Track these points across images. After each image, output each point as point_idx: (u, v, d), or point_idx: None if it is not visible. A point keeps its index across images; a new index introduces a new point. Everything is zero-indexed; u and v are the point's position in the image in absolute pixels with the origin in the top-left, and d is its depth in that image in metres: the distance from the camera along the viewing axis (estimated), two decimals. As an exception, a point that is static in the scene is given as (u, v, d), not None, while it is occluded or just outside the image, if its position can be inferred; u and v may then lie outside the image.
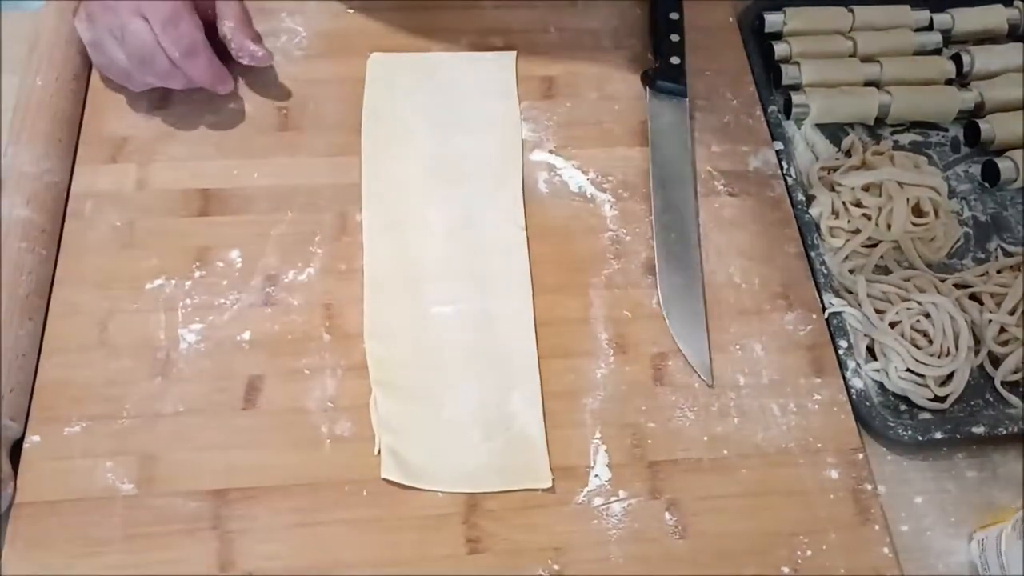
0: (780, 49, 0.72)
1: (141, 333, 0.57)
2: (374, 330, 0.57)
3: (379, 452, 0.53)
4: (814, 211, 0.65)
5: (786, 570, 0.52)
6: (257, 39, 0.64)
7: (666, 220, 0.63)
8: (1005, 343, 0.61)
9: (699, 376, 0.57)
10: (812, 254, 0.63)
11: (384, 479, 0.53)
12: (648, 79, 0.70)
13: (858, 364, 0.59)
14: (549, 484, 0.53)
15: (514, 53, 0.70)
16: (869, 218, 0.65)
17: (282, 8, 0.71)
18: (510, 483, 0.53)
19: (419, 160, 0.64)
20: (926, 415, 0.58)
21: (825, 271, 0.63)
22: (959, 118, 0.72)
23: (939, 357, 0.59)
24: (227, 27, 0.62)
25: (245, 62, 0.64)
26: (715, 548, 0.52)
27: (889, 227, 0.64)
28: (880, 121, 0.71)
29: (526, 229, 0.62)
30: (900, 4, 0.75)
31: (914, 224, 0.64)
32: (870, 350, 0.60)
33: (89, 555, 0.50)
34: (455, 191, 0.63)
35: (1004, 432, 0.57)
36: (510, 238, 0.62)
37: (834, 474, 0.55)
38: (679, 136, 0.67)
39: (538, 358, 0.57)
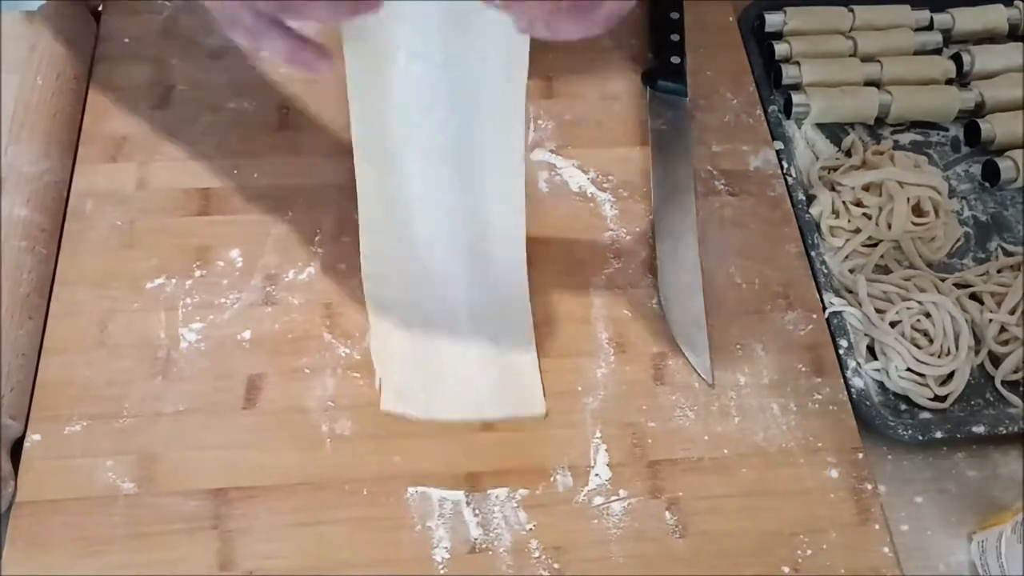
0: (780, 49, 0.72)
1: (141, 332, 0.57)
2: (370, 271, 0.58)
3: (379, 387, 0.55)
4: (814, 211, 0.65)
5: (786, 570, 0.52)
6: None
7: (666, 220, 0.63)
8: (1005, 343, 0.61)
9: (699, 376, 0.57)
10: (812, 254, 0.63)
11: (385, 411, 0.55)
12: (648, 79, 0.70)
13: (858, 363, 0.59)
14: (543, 411, 0.55)
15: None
16: (869, 218, 0.65)
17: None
18: (506, 410, 0.55)
19: (408, 82, 0.55)
20: (926, 415, 0.58)
21: (825, 271, 0.63)
22: (959, 118, 0.72)
23: (939, 356, 0.59)
24: None
25: None
26: (715, 548, 0.52)
27: (889, 227, 0.64)
28: (880, 121, 0.71)
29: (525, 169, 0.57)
30: (900, 4, 0.75)
31: (914, 224, 0.64)
32: (870, 349, 0.60)
33: (89, 554, 0.50)
34: (448, 116, 0.55)
35: (1004, 432, 0.57)
36: (505, 164, 0.56)
37: (834, 474, 0.55)
38: (679, 136, 0.67)
39: (529, 295, 0.59)
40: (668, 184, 0.65)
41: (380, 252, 0.58)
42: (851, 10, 0.74)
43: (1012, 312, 0.61)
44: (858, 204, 0.65)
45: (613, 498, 0.53)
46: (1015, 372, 0.60)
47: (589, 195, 0.65)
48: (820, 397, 0.58)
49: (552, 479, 0.54)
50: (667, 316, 0.59)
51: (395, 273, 0.58)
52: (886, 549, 0.53)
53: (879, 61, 0.72)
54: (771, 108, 0.70)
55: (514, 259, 0.58)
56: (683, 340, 0.58)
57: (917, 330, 0.60)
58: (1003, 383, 0.60)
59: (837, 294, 0.62)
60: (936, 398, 0.59)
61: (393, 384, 0.55)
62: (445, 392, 0.56)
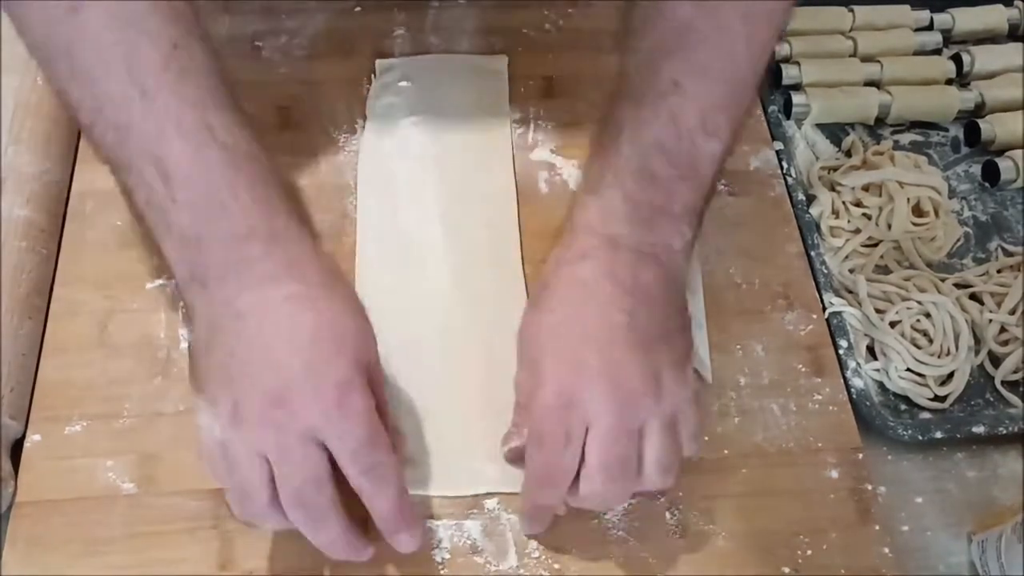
0: (780, 49, 0.72)
1: (141, 332, 0.57)
2: None
3: None
4: (814, 211, 0.65)
5: (786, 570, 0.52)
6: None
7: None
8: (1005, 343, 0.61)
9: (699, 375, 0.57)
10: (812, 254, 0.63)
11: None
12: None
13: (858, 364, 0.59)
14: None
15: (505, 57, 0.70)
16: (869, 218, 0.65)
17: (282, 8, 0.71)
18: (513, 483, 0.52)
19: (413, 160, 0.65)
20: (926, 415, 0.58)
21: (825, 271, 0.63)
22: (959, 118, 0.72)
23: (939, 357, 0.59)
24: None
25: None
26: (715, 548, 0.52)
27: (889, 227, 0.64)
28: (880, 121, 0.71)
29: (519, 229, 0.62)
30: (900, 4, 0.75)
31: (914, 224, 0.64)
32: (870, 350, 0.60)
33: (90, 554, 0.50)
34: (446, 190, 0.63)
35: (1004, 432, 0.57)
36: (501, 238, 0.62)
37: (834, 474, 0.55)
38: None
39: None
40: None
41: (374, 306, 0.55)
42: (851, 10, 0.74)
43: (1012, 312, 0.61)
44: (858, 204, 0.65)
45: (613, 498, 0.53)
46: (1015, 372, 0.60)
47: (589, 195, 0.65)
48: (820, 397, 0.58)
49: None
50: None
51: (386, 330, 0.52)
52: (886, 549, 0.53)
53: (879, 61, 0.72)
54: (771, 108, 0.70)
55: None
56: None
57: (917, 330, 0.60)
58: (1003, 383, 0.60)
59: (837, 294, 0.62)
60: (936, 398, 0.59)
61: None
62: (448, 466, 0.53)
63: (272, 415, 0.43)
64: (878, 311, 0.61)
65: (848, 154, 0.69)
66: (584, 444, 0.46)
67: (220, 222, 0.45)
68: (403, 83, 0.68)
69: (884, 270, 0.64)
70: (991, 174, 0.69)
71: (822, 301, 0.61)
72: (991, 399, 0.60)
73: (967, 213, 0.68)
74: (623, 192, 0.49)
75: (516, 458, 0.51)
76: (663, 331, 0.48)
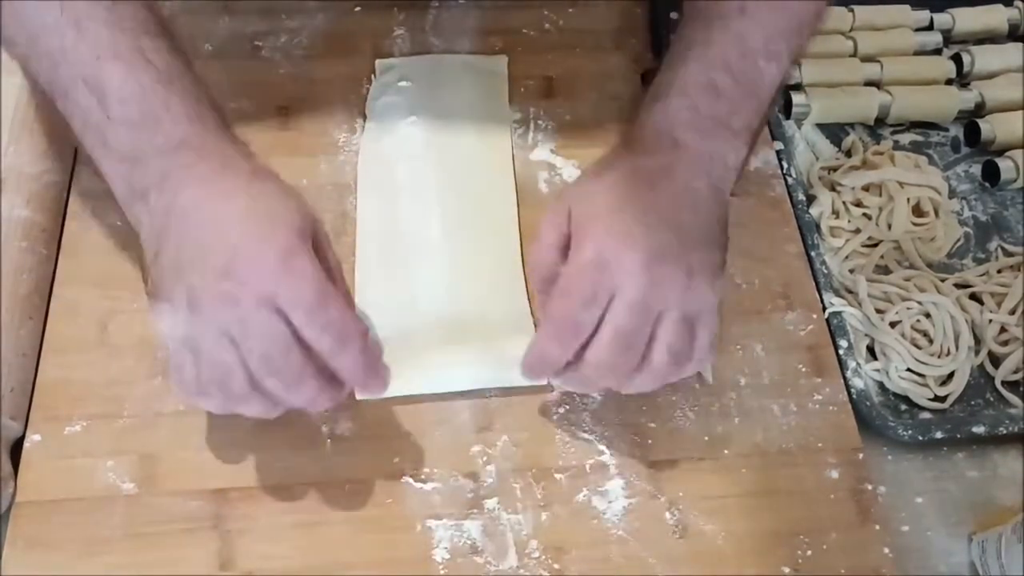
0: (780, 49, 0.72)
1: (141, 332, 0.57)
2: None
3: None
4: (814, 211, 0.65)
5: (786, 570, 0.52)
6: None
7: None
8: (1005, 343, 0.61)
9: (699, 375, 0.57)
10: (812, 254, 0.63)
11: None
12: (648, 79, 0.69)
13: (858, 364, 0.59)
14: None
15: (505, 57, 0.70)
16: (869, 218, 0.65)
17: (282, 8, 0.71)
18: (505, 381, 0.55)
19: (412, 160, 0.65)
20: (926, 415, 0.58)
21: (825, 271, 0.63)
22: (959, 118, 0.72)
23: (939, 357, 0.59)
24: None
25: None
26: (715, 548, 0.52)
27: (889, 227, 0.64)
28: (880, 121, 0.71)
29: (519, 229, 0.63)
30: (900, 4, 0.75)
31: (914, 224, 0.64)
32: (870, 350, 0.60)
33: (89, 554, 0.50)
34: (446, 190, 0.63)
35: (1004, 432, 0.57)
36: (501, 238, 0.62)
37: (834, 474, 0.55)
38: None
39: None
40: None
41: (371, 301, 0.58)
42: (851, 10, 0.74)
43: (1012, 312, 0.61)
44: (858, 204, 0.65)
45: (613, 498, 0.53)
46: (1015, 372, 0.60)
47: (589, 195, 0.65)
48: (820, 397, 0.58)
49: (552, 479, 0.54)
50: None
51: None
52: (886, 549, 0.53)
53: (879, 61, 0.72)
54: (771, 108, 0.70)
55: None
56: None
57: (917, 330, 0.60)
58: (1003, 383, 0.60)
59: (837, 294, 0.62)
60: (936, 398, 0.59)
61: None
62: (435, 369, 0.56)
63: (224, 289, 0.45)
64: (878, 311, 0.61)
65: (848, 154, 0.69)
66: (605, 311, 0.48)
67: (155, 136, 0.47)
68: (403, 83, 0.68)
69: (884, 270, 0.64)
70: (991, 174, 0.69)
71: (822, 301, 0.61)
72: (991, 399, 0.60)
73: (967, 213, 0.68)
74: (688, 101, 0.53)
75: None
76: (704, 239, 0.51)
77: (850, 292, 0.62)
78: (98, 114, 0.47)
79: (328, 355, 0.46)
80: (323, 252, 0.49)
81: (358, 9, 0.72)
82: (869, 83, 0.71)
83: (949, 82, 0.72)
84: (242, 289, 0.45)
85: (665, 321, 0.48)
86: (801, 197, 0.66)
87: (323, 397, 0.47)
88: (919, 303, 0.61)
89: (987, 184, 0.69)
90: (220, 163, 0.48)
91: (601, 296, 0.48)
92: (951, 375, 0.59)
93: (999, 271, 0.64)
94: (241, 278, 0.45)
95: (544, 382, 0.54)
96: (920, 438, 0.57)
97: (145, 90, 0.47)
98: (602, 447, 0.55)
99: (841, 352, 0.59)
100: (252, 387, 0.46)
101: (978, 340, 0.61)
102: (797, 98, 0.70)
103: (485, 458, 0.54)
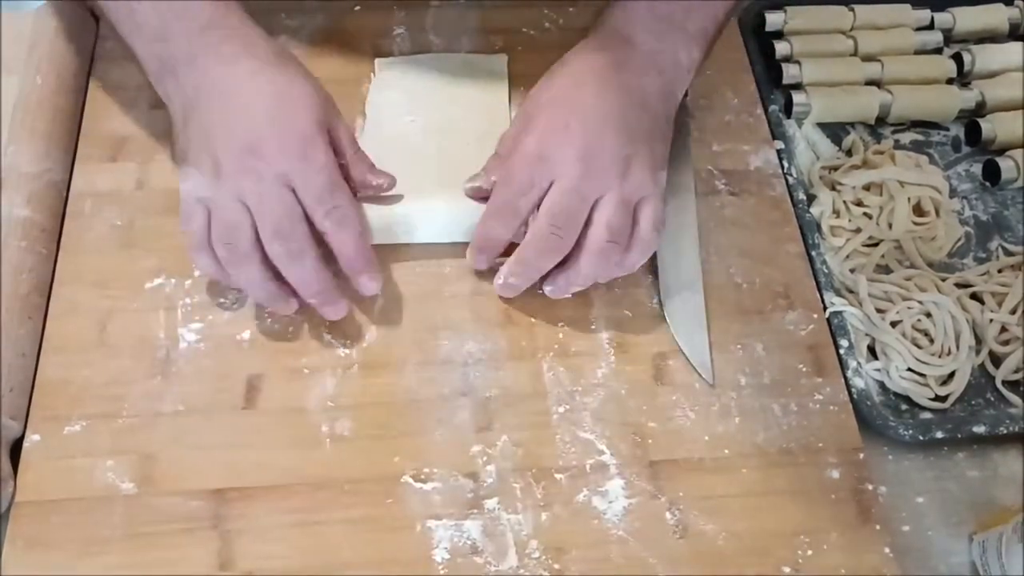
0: (781, 48, 0.72)
1: (141, 332, 0.57)
2: None
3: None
4: (815, 210, 0.65)
5: (787, 570, 0.52)
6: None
7: (667, 220, 0.63)
8: (1006, 342, 0.61)
9: (700, 375, 0.57)
10: (813, 253, 0.63)
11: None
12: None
13: (859, 363, 0.59)
14: None
15: (505, 56, 0.70)
16: (870, 217, 0.65)
17: (282, 7, 0.71)
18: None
19: (414, 160, 0.64)
20: (927, 415, 0.58)
21: (826, 270, 0.63)
22: (960, 117, 0.72)
23: (940, 356, 0.59)
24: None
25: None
26: (715, 548, 0.52)
27: (890, 226, 0.64)
28: (881, 120, 0.71)
29: None
30: (901, 3, 0.75)
31: (915, 223, 0.64)
32: (871, 349, 0.60)
33: (89, 554, 0.50)
34: (446, 189, 0.63)
35: (1005, 432, 0.57)
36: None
37: (835, 474, 0.55)
38: (680, 136, 0.67)
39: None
40: (668, 184, 0.64)
41: None
42: (852, 9, 0.74)
43: (1013, 312, 0.61)
44: (859, 204, 0.65)
45: (613, 498, 0.53)
46: (1016, 372, 0.60)
47: (589, 195, 0.65)
48: (821, 397, 0.58)
49: (552, 479, 0.54)
50: (667, 316, 0.59)
51: None
52: (887, 549, 0.53)
53: (880, 60, 0.71)
54: (772, 107, 0.70)
55: None
56: (683, 339, 0.58)
57: (918, 330, 0.60)
58: (1004, 383, 0.60)
59: (838, 294, 0.62)
60: (937, 398, 0.59)
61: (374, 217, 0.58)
62: (427, 219, 0.60)
63: (247, 163, 0.52)
64: (879, 311, 0.61)
65: (849, 153, 0.69)
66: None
67: (183, 19, 0.54)
68: (403, 82, 0.68)
69: (885, 270, 0.64)
70: (992, 173, 0.69)
71: (823, 301, 0.61)
72: (992, 399, 0.60)
73: (968, 213, 0.68)
74: (645, 3, 0.57)
75: (474, 195, 0.59)
76: (647, 133, 0.56)
77: (851, 292, 0.62)
78: None
79: (329, 235, 0.53)
80: (336, 134, 0.55)
81: (358, 8, 0.72)
82: (870, 82, 0.71)
83: (950, 81, 0.72)
84: (264, 166, 0.52)
85: (603, 204, 0.54)
86: (802, 196, 0.66)
87: (317, 277, 0.53)
88: (920, 303, 0.61)
89: (988, 183, 0.69)
90: (243, 44, 0.54)
91: (539, 183, 0.54)
92: (952, 375, 0.59)
93: (1000, 271, 0.64)
94: (264, 157, 0.52)
95: (484, 267, 0.59)
96: (921, 438, 0.56)
97: None
98: (602, 447, 0.55)
99: (842, 352, 0.59)
100: (256, 249, 0.52)
101: (979, 340, 0.61)
102: (798, 97, 0.70)
103: (485, 458, 0.54)
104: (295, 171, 0.52)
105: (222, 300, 0.58)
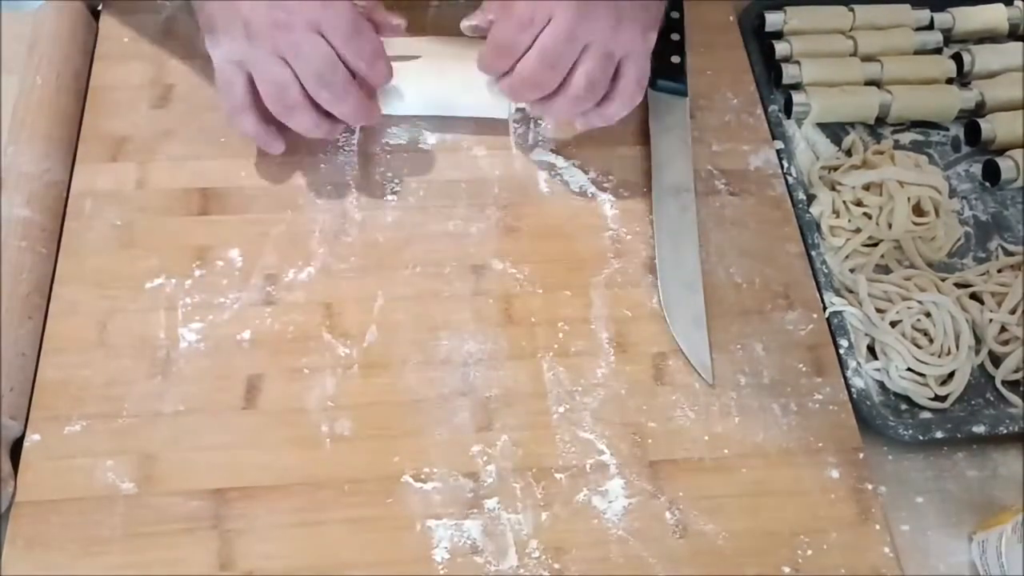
0: (781, 48, 0.72)
1: (141, 332, 0.57)
2: None
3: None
4: (815, 210, 0.65)
5: (787, 570, 0.52)
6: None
7: (666, 219, 0.63)
8: (1006, 342, 0.61)
9: (699, 375, 0.57)
10: (813, 253, 0.63)
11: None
12: (648, 78, 0.69)
13: (859, 363, 0.59)
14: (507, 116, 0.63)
15: None
16: (870, 217, 0.65)
17: (282, 7, 0.71)
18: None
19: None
20: (927, 414, 0.58)
21: (826, 270, 0.63)
22: (960, 117, 0.72)
23: (940, 356, 0.59)
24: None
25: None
26: (715, 548, 0.52)
27: (890, 226, 0.64)
28: (881, 120, 0.71)
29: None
30: (901, 3, 0.75)
31: (915, 223, 0.64)
32: (871, 349, 0.60)
33: (89, 554, 0.50)
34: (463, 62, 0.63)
35: (1005, 432, 0.57)
36: None
37: (835, 474, 0.55)
38: (679, 135, 0.67)
39: None
40: (668, 183, 0.65)
41: None
42: (851, 9, 0.74)
43: (1012, 312, 0.61)
44: (858, 204, 0.65)
45: (613, 498, 0.53)
46: (1015, 372, 0.60)
47: (589, 195, 0.65)
48: (820, 397, 0.58)
49: (552, 479, 0.54)
50: (667, 315, 0.59)
51: None
52: (886, 549, 0.53)
53: (879, 60, 0.71)
54: (771, 107, 0.70)
55: None
56: (683, 339, 0.58)
57: (917, 330, 0.60)
58: (1003, 383, 0.60)
59: (837, 294, 0.62)
60: (936, 398, 0.59)
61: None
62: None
63: (276, 16, 0.54)
64: (878, 311, 0.61)
65: (848, 153, 0.69)
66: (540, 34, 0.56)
67: None
68: (402, 81, 0.68)
69: (884, 269, 0.64)
70: (991, 174, 0.69)
71: (822, 301, 0.61)
72: (991, 399, 0.60)
73: (967, 213, 0.68)
74: None
75: (473, 33, 0.61)
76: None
77: (850, 291, 0.62)
78: None
79: (363, 70, 0.57)
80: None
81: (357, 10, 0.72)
82: (869, 82, 0.71)
83: (950, 81, 0.72)
84: (292, 17, 0.54)
85: (590, 52, 0.56)
86: (801, 196, 0.66)
87: (363, 107, 0.58)
88: (919, 302, 0.61)
89: (987, 183, 0.69)
90: None
91: (537, 20, 0.55)
92: (951, 374, 0.59)
93: (999, 270, 0.64)
94: (290, 8, 0.54)
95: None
96: (920, 438, 0.57)
97: None
98: (602, 447, 0.55)
99: (841, 351, 0.59)
100: (305, 96, 0.56)
101: (978, 340, 0.61)
102: (797, 97, 0.70)
103: (485, 458, 0.54)
104: (322, 17, 0.54)
105: (222, 300, 0.58)
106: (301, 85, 0.56)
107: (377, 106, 0.61)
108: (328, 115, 0.58)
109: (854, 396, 0.58)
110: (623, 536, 0.52)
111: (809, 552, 0.52)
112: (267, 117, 0.59)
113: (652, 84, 0.69)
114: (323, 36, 0.55)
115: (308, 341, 0.57)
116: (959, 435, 0.57)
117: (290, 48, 0.55)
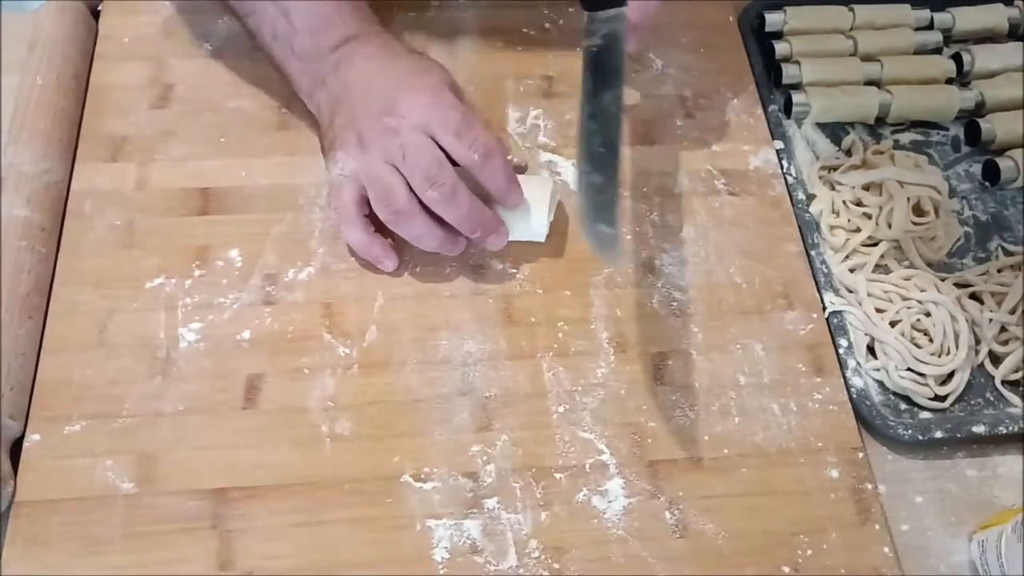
0: (780, 48, 0.72)
1: (141, 332, 0.57)
2: None
3: None
4: (814, 210, 0.65)
5: (786, 570, 0.52)
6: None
7: (592, 125, 0.56)
8: (1005, 342, 0.61)
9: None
10: (812, 253, 0.63)
11: None
12: (588, 3, 0.59)
13: (858, 363, 0.59)
14: (543, 238, 0.60)
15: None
16: (869, 217, 0.65)
17: (282, 7, 0.71)
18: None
19: None
20: (926, 414, 0.58)
21: (825, 270, 0.63)
22: (960, 117, 0.71)
23: (939, 356, 0.59)
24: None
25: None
26: (715, 548, 0.52)
27: (889, 226, 0.64)
28: (880, 120, 0.71)
29: None
30: (900, 3, 0.75)
31: (914, 223, 0.64)
32: (870, 349, 0.60)
33: (89, 554, 0.50)
34: None
35: (1004, 431, 0.57)
36: None
37: (834, 473, 0.55)
38: (613, 53, 0.58)
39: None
40: (600, 92, 0.57)
41: None
42: (851, 9, 0.74)
43: (1012, 312, 0.61)
44: (858, 203, 0.65)
45: (613, 498, 0.53)
46: (1015, 372, 0.60)
47: (589, 195, 0.65)
48: (820, 397, 0.58)
49: (552, 479, 0.54)
50: (581, 212, 0.54)
51: None
52: (886, 549, 0.53)
53: (879, 60, 0.71)
54: (771, 107, 0.70)
55: None
56: (588, 229, 0.53)
57: (917, 330, 0.60)
58: (1003, 383, 0.60)
59: (837, 294, 0.62)
60: (936, 398, 0.59)
61: None
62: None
63: (386, 123, 0.56)
64: (878, 310, 0.61)
65: (848, 153, 0.69)
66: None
67: (331, 36, 0.59)
68: None
69: (884, 269, 0.64)
70: (991, 173, 0.69)
71: (822, 300, 0.61)
72: (991, 399, 0.60)
73: (967, 212, 0.68)
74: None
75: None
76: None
77: (850, 291, 0.62)
78: (284, 26, 0.59)
79: (476, 167, 0.56)
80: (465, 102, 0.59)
81: (358, 9, 0.72)
82: (869, 82, 0.71)
83: (949, 81, 0.72)
84: (401, 121, 0.55)
85: (441, 135, 0.56)
86: (801, 196, 0.66)
87: (476, 212, 0.56)
88: (919, 302, 0.61)
89: (987, 183, 0.69)
90: (382, 44, 0.60)
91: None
92: (951, 374, 0.59)
93: (999, 270, 0.64)
94: (400, 112, 0.55)
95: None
96: (920, 437, 0.57)
97: (318, 3, 0.59)
98: (602, 447, 0.55)
99: (841, 351, 0.59)
100: (415, 202, 0.56)
101: (978, 339, 0.61)
102: (797, 97, 0.70)
103: (485, 458, 0.54)
104: (431, 116, 0.55)
105: (222, 300, 0.58)
106: (410, 189, 0.55)
107: (499, 218, 0.58)
108: (447, 226, 0.57)
109: (854, 396, 0.58)
110: (623, 536, 0.52)
111: (809, 552, 0.52)
112: (383, 231, 0.58)
113: (590, 7, 0.59)
114: (431, 137, 0.55)
115: (308, 341, 0.57)
116: (959, 435, 0.57)
117: (398, 151, 0.55)
